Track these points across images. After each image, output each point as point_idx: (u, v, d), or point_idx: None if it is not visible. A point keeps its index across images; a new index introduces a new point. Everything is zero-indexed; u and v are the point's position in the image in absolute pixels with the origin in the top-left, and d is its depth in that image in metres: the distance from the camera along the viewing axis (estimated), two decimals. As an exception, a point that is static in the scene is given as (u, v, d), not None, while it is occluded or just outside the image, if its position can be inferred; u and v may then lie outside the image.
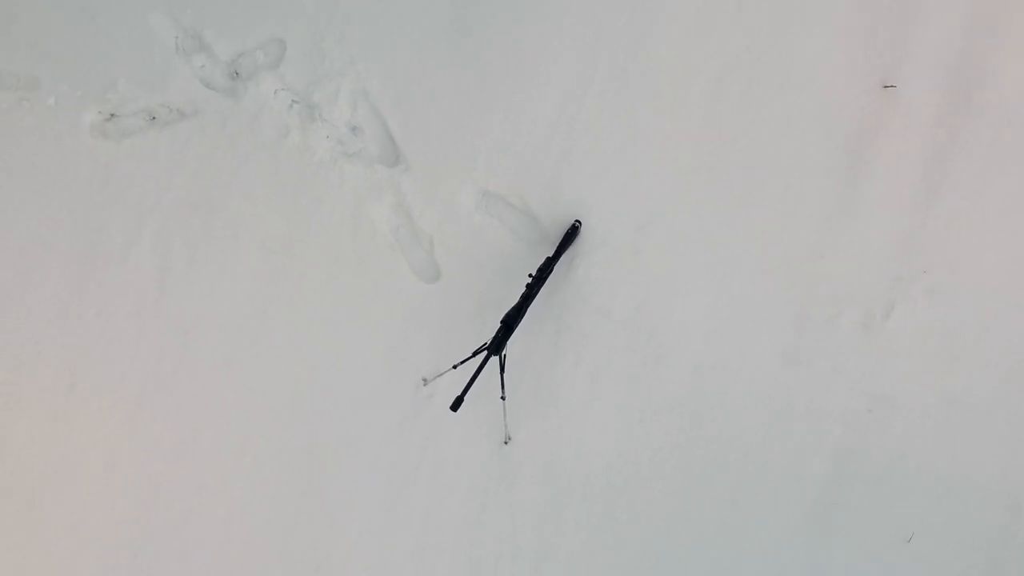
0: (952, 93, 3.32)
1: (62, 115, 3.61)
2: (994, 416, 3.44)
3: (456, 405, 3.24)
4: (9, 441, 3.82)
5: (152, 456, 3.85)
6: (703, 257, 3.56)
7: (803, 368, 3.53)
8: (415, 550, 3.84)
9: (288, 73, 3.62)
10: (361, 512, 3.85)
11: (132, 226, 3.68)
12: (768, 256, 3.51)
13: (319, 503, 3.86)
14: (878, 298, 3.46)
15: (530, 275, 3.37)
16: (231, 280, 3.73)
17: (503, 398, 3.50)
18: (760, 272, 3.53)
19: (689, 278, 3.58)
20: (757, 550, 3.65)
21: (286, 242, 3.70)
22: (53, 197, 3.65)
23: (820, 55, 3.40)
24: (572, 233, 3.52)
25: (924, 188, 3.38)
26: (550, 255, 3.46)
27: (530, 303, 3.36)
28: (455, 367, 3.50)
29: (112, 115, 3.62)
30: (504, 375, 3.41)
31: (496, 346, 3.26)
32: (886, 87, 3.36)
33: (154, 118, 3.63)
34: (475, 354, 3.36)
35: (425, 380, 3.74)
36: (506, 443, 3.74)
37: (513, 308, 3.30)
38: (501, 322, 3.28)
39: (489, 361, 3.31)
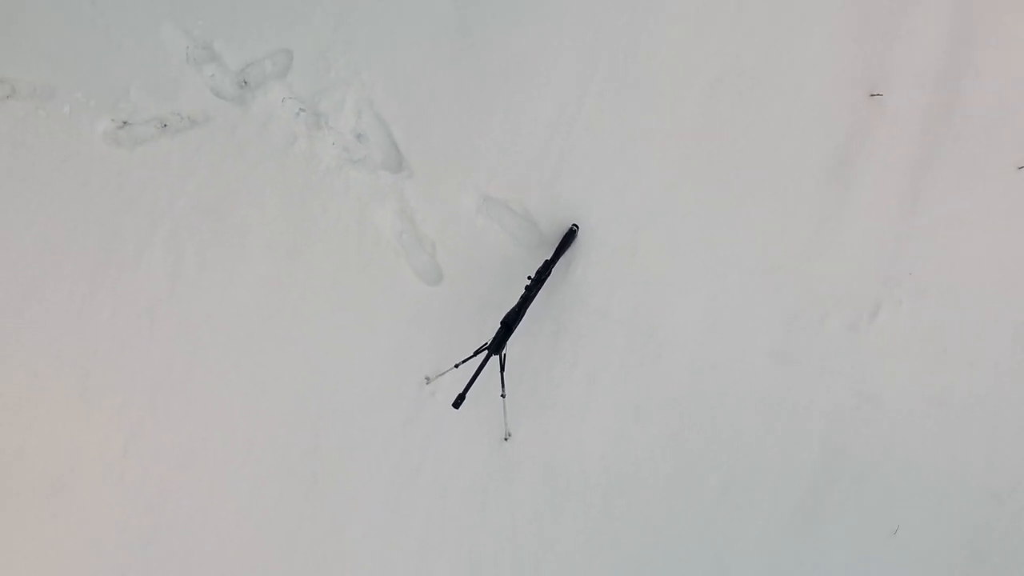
0: (936, 102, 3.41)
1: (77, 123, 3.61)
2: (977, 413, 3.54)
3: (458, 402, 3.29)
4: (25, 441, 3.84)
5: (162, 455, 3.86)
6: (698, 259, 3.61)
7: (793, 367, 3.60)
8: (417, 546, 3.87)
9: (295, 82, 3.64)
10: (365, 509, 3.87)
11: (144, 231, 3.69)
12: (761, 258, 3.58)
13: (324, 501, 3.88)
14: (865, 299, 3.53)
15: (529, 277, 3.41)
16: (240, 284, 3.74)
17: (503, 396, 3.54)
18: (753, 273, 3.59)
19: (685, 279, 3.63)
20: (749, 543, 3.72)
21: (293, 247, 3.72)
22: (68, 203, 3.67)
23: (811, 64, 3.46)
24: (570, 237, 3.57)
25: (910, 193, 3.47)
26: (548, 258, 3.50)
27: (529, 304, 3.40)
28: (457, 366, 3.53)
29: (125, 123, 3.65)
30: (504, 374, 3.45)
31: (496, 346, 3.30)
32: (873, 96, 3.43)
33: (166, 126, 3.64)
34: (476, 353, 3.40)
35: (428, 379, 3.78)
36: (506, 439, 3.78)
37: (513, 309, 3.34)
38: (501, 323, 3.33)
39: (490, 360, 3.36)
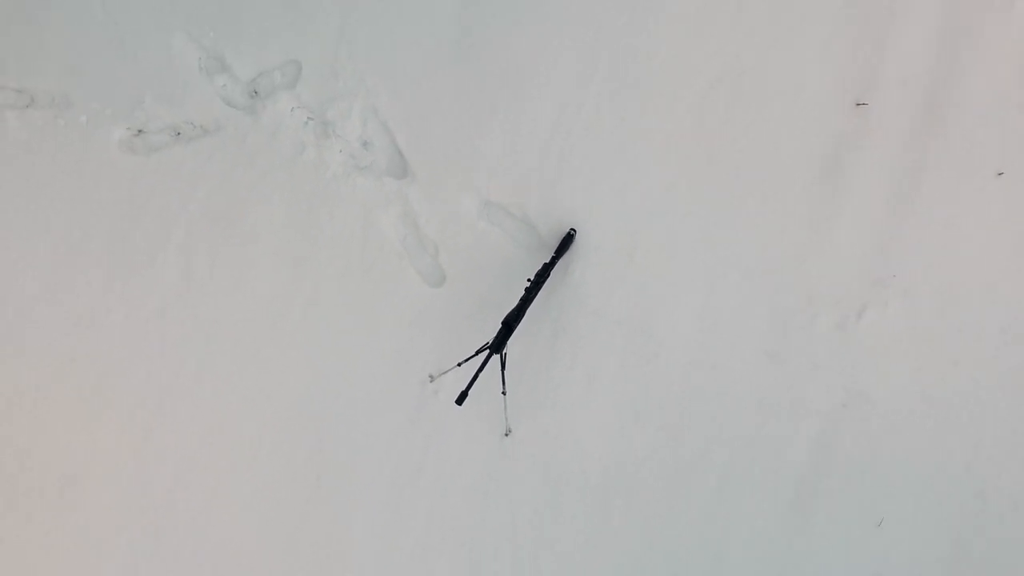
0: (921, 110, 3.49)
1: (93, 132, 3.71)
2: (962, 411, 3.60)
3: (461, 399, 3.34)
4: (37, 440, 3.90)
5: (172, 455, 3.91)
6: (694, 260, 3.67)
7: (785, 366, 3.65)
8: (419, 543, 3.90)
9: (304, 92, 3.72)
10: (368, 507, 3.91)
11: (157, 236, 3.76)
12: (755, 259, 3.63)
13: (328, 499, 3.91)
14: (854, 300, 3.59)
15: (529, 279, 3.45)
16: (249, 287, 3.81)
17: (504, 393, 3.57)
18: (748, 274, 3.65)
19: (681, 281, 3.69)
20: (744, 538, 3.75)
21: (300, 251, 3.78)
22: (83, 208, 3.75)
23: (801, 73, 3.53)
24: (568, 240, 3.62)
25: (896, 198, 3.54)
26: (548, 260, 3.54)
27: (529, 305, 3.43)
28: (459, 365, 3.57)
29: (140, 131, 3.72)
30: (505, 372, 3.48)
31: (497, 345, 3.34)
32: (859, 104, 3.51)
33: (179, 134, 3.72)
34: (478, 352, 3.44)
35: (431, 377, 3.82)
36: (507, 435, 3.82)
37: (513, 310, 3.37)
38: (502, 323, 3.35)
39: (491, 359, 3.38)
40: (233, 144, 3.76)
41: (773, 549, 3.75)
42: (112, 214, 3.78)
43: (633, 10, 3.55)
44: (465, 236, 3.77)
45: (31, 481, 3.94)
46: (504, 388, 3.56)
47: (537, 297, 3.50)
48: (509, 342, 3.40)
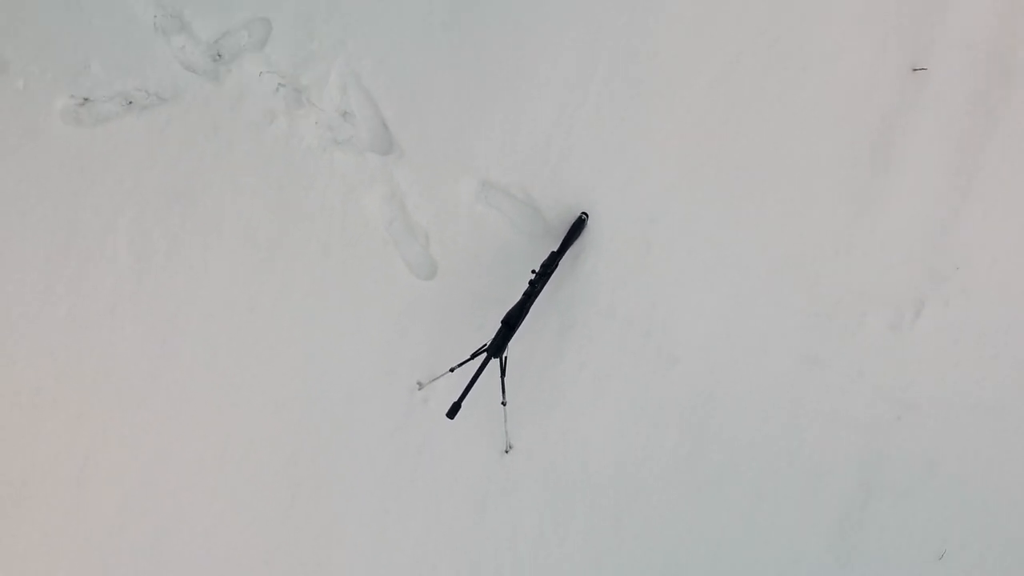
0: (987, 75, 3.25)
1: (32, 99, 3.53)
2: None
3: (453, 412, 3.18)
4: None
5: (132, 462, 3.77)
6: (719, 252, 3.49)
7: (825, 371, 3.44)
8: (415, 552, 3.78)
9: (274, 54, 3.55)
10: (350, 526, 3.78)
11: (107, 217, 3.60)
12: (790, 252, 3.44)
13: (306, 516, 3.79)
14: (907, 297, 3.39)
15: (533, 271, 3.30)
16: (213, 275, 3.67)
17: (504, 403, 3.42)
18: (781, 269, 3.45)
19: (704, 275, 3.51)
20: (780, 565, 3.58)
21: (272, 235, 3.64)
22: (22, 187, 3.58)
23: (843, 38, 3.32)
24: (579, 226, 3.44)
25: (957, 178, 3.32)
26: (555, 250, 3.39)
27: (533, 301, 3.29)
28: (452, 370, 3.45)
29: (86, 99, 3.56)
30: (505, 379, 3.34)
31: (496, 347, 3.20)
32: (916, 70, 3.27)
33: (131, 103, 3.56)
34: (474, 356, 3.32)
35: (420, 384, 3.67)
36: (507, 452, 3.65)
37: (515, 307, 3.25)
38: (502, 322, 3.22)
39: (489, 364, 3.25)
40: (193, 113, 3.60)
41: None
42: (54, 193, 3.60)
43: None
44: (460, 221, 3.61)
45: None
46: (504, 398, 3.40)
47: (542, 292, 3.35)
48: (510, 344, 3.25)
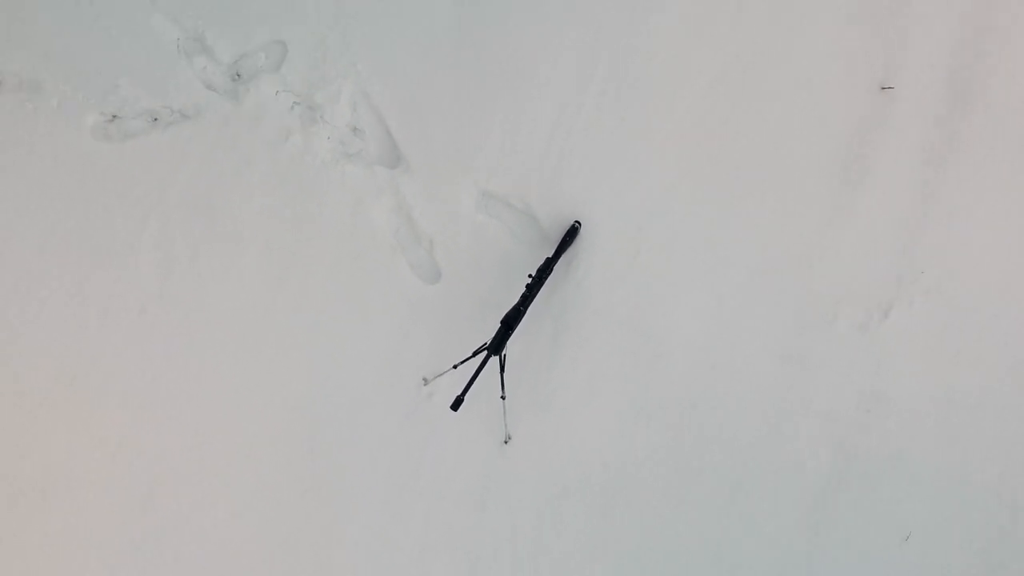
0: (950, 94, 3.34)
1: (65, 117, 3.61)
2: (993, 416, 3.47)
3: (456, 405, 3.28)
4: (15, 443, 3.84)
5: (156, 457, 3.87)
6: (702, 258, 3.58)
7: (801, 368, 3.55)
8: (415, 552, 3.87)
9: (289, 75, 3.63)
10: (360, 515, 3.88)
11: (134, 228, 3.69)
12: (767, 256, 3.53)
13: (319, 505, 3.88)
14: (876, 298, 3.48)
15: (530, 275, 3.39)
16: (232, 281, 3.74)
17: (503, 398, 3.52)
18: (759, 272, 3.55)
19: (690, 279, 3.60)
20: (755, 549, 3.68)
21: (287, 243, 3.72)
22: (55, 199, 3.66)
23: (818, 57, 3.41)
24: (572, 233, 3.54)
25: (922, 188, 3.40)
26: (550, 255, 3.48)
27: (530, 303, 3.38)
28: (455, 367, 3.52)
29: (114, 117, 3.63)
30: (504, 375, 3.44)
31: (496, 346, 3.29)
32: (884, 88, 3.37)
33: (156, 120, 3.63)
34: (475, 354, 3.39)
35: (425, 380, 3.76)
36: (506, 442, 3.76)
37: (513, 308, 3.33)
38: (501, 322, 3.31)
39: (489, 361, 3.34)
40: (214, 130, 3.68)
41: (790, 564, 3.66)
42: (85, 205, 3.69)
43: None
44: (462, 229, 3.70)
45: (7, 486, 3.90)
46: (503, 392, 3.50)
47: (538, 295, 3.44)
48: (509, 343, 3.34)
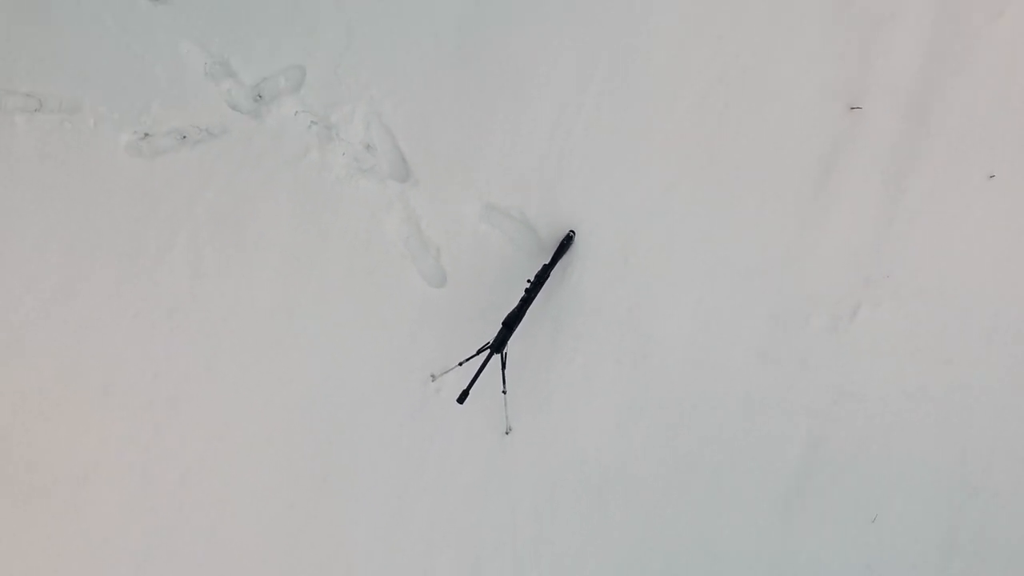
0: (912, 114, 3.53)
1: (101, 135, 3.76)
2: (953, 407, 3.66)
3: (462, 398, 3.41)
4: (50, 438, 3.96)
5: (182, 451, 3.98)
6: (688, 263, 3.73)
7: (777, 365, 3.71)
8: (422, 534, 3.98)
9: (308, 96, 3.77)
10: (373, 499, 3.98)
11: (165, 237, 3.83)
12: (748, 262, 3.69)
13: (337, 493, 3.99)
14: (844, 301, 3.65)
15: (529, 280, 3.52)
16: (256, 286, 3.87)
17: (504, 392, 3.64)
18: (740, 276, 3.71)
19: (675, 282, 3.75)
20: (737, 532, 3.83)
21: (305, 251, 3.84)
22: (93, 211, 3.81)
23: (794, 80, 3.58)
24: (567, 242, 3.68)
25: (887, 200, 3.59)
26: (547, 262, 3.61)
27: (529, 305, 3.50)
28: (461, 364, 3.63)
29: (146, 135, 3.77)
30: (505, 371, 3.55)
31: (498, 345, 3.41)
32: (853, 109, 3.55)
33: (185, 137, 3.77)
34: (479, 352, 3.50)
35: (433, 376, 3.88)
36: (507, 433, 3.88)
37: (513, 310, 3.45)
38: (502, 323, 3.43)
39: (492, 358, 3.46)
40: (238, 147, 3.81)
41: (768, 544, 3.82)
42: (120, 216, 3.84)
43: (632, 12, 3.60)
44: (466, 238, 3.83)
45: (43, 478, 4.01)
46: (504, 387, 3.62)
47: (536, 298, 3.56)
48: (509, 342, 3.46)
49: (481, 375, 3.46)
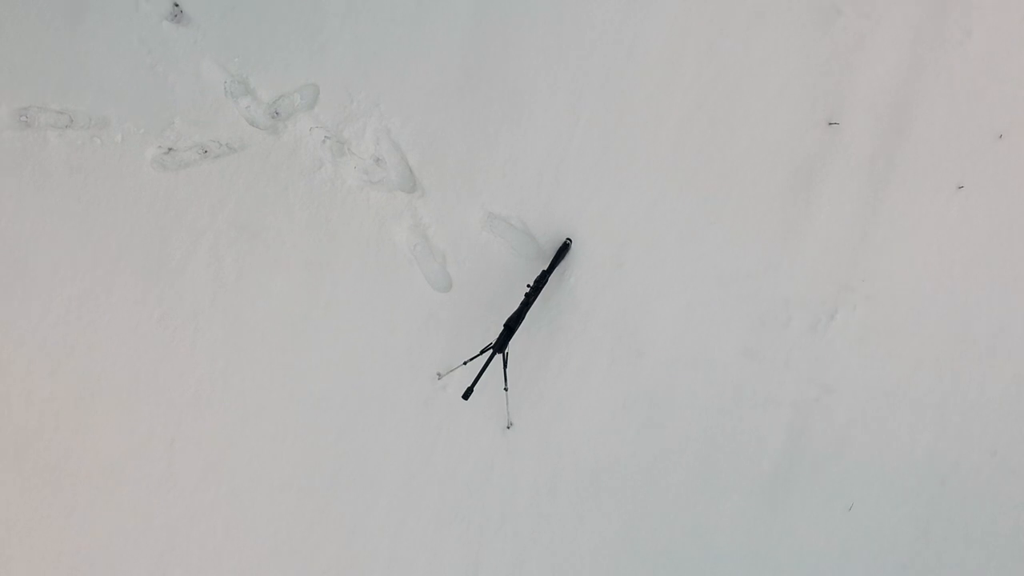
0: (888, 129, 3.71)
1: (128, 149, 3.85)
2: (924, 404, 3.83)
3: (467, 395, 3.52)
4: (79, 437, 4.02)
5: (205, 447, 4.06)
6: (676, 269, 3.87)
7: (761, 363, 3.87)
8: (430, 516, 4.06)
9: (321, 113, 3.88)
10: (384, 490, 4.06)
11: (188, 245, 3.92)
12: (732, 267, 3.84)
13: (349, 485, 4.06)
14: (823, 303, 3.81)
15: (528, 285, 3.62)
16: (273, 291, 3.96)
17: (506, 389, 3.74)
18: (726, 281, 3.85)
19: (665, 287, 3.88)
20: (722, 520, 3.97)
21: (320, 258, 3.93)
22: (120, 221, 3.91)
23: (775, 96, 3.74)
24: (564, 249, 3.79)
25: (863, 210, 3.76)
26: (545, 268, 3.71)
27: (528, 308, 3.59)
28: (465, 363, 3.72)
29: (170, 149, 3.85)
30: (507, 369, 3.64)
31: (500, 345, 3.50)
32: (831, 124, 3.71)
33: (206, 152, 3.86)
34: (482, 352, 3.57)
35: (440, 374, 3.97)
36: (508, 427, 3.99)
37: (514, 313, 3.53)
38: (504, 325, 3.51)
39: (494, 358, 3.54)
40: (257, 161, 3.91)
41: (751, 530, 3.96)
42: (145, 226, 3.94)
43: (620, 44, 3.74)
44: (470, 246, 3.94)
45: (71, 476, 4.07)
46: (506, 384, 3.74)
47: (536, 301, 3.66)
48: (511, 342, 3.56)
49: (484, 373, 3.54)
